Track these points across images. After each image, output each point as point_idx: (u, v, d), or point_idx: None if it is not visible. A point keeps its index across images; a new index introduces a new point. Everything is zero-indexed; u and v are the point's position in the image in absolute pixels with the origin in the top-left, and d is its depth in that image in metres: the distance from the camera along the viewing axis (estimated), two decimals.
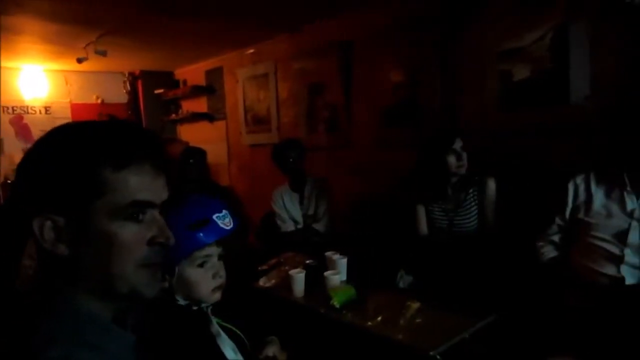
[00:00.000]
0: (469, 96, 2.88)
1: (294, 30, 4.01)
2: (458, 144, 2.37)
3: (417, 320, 1.76)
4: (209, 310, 1.22)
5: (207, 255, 1.19)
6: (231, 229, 1.19)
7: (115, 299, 0.74)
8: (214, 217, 1.16)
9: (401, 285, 2.14)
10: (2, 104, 5.12)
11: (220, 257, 1.23)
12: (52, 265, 0.72)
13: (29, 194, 0.72)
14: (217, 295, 1.21)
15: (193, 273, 1.17)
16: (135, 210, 0.72)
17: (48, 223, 0.69)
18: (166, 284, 1.13)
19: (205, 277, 1.18)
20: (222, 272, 1.23)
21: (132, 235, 0.72)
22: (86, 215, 0.70)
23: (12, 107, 5.28)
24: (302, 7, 3.43)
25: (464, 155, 2.38)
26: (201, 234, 1.14)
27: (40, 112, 5.41)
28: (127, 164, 0.71)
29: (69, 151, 0.71)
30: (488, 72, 2.75)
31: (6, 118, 5.22)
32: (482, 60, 2.78)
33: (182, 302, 1.18)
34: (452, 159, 2.36)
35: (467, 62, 2.87)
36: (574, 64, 2.38)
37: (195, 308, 1.20)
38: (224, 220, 1.18)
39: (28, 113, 5.36)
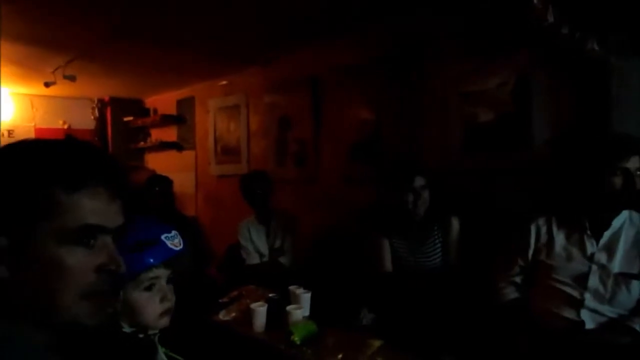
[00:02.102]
0: (433, 135, 2.94)
1: (265, 63, 4.05)
2: (418, 182, 2.38)
3: (378, 359, 1.73)
4: (156, 338, 1.15)
5: (155, 278, 1.12)
6: (180, 250, 1.13)
7: (53, 327, 0.70)
8: (162, 237, 1.11)
9: (364, 322, 2.11)
10: None
11: (169, 281, 1.16)
12: None
13: None
14: (165, 321, 1.14)
15: (139, 297, 1.10)
16: (85, 234, 0.69)
17: None
18: (111, 310, 1.07)
19: (152, 301, 1.11)
20: (171, 296, 1.15)
21: (79, 261, 0.68)
22: (32, 237, 0.66)
23: None
24: (273, 40, 3.49)
25: (424, 194, 2.40)
26: (148, 255, 1.08)
27: (2, 135, 5.25)
28: (81, 187, 0.68)
29: (19, 169, 0.68)
30: (452, 113, 2.82)
31: None
32: (446, 101, 2.85)
33: (127, 329, 1.12)
34: (410, 198, 2.37)
35: (431, 102, 2.94)
36: (536, 109, 2.46)
37: (141, 336, 1.13)
38: (172, 241, 1.12)
39: None
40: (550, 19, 1.82)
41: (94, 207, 0.70)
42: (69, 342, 0.74)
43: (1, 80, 4.67)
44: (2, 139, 5.18)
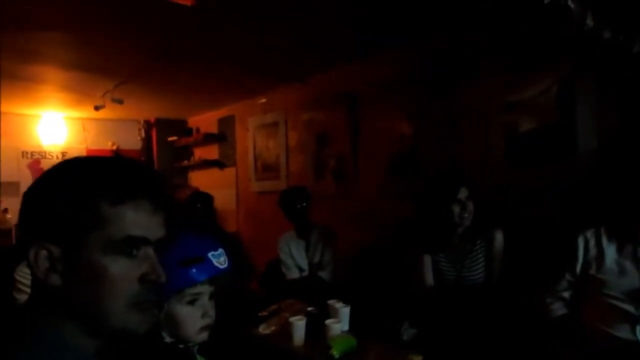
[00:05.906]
0: (472, 148, 2.89)
1: (303, 80, 4.12)
2: (463, 194, 2.32)
3: None
4: (195, 349, 1.19)
5: (198, 293, 1.15)
6: (225, 268, 1.16)
7: (102, 334, 0.73)
8: (209, 255, 1.14)
9: (405, 337, 2.07)
10: (22, 149, 5.36)
11: (211, 297, 1.19)
12: (44, 295, 0.71)
13: (28, 222, 0.73)
14: (204, 335, 1.17)
15: (181, 310, 1.13)
16: (128, 245, 0.72)
17: (43, 252, 0.69)
18: (155, 320, 1.11)
19: (194, 316, 1.15)
20: (212, 312, 1.18)
21: (122, 271, 0.71)
22: (80, 247, 0.70)
23: (31, 152, 5.46)
24: (310, 58, 3.55)
25: (469, 205, 2.34)
26: (194, 271, 1.11)
27: (57, 157, 5.55)
28: (125, 199, 0.72)
29: (69, 183, 0.72)
30: (492, 124, 2.77)
31: (25, 162, 5.40)
32: (485, 113, 2.80)
33: (167, 339, 1.15)
34: (456, 209, 2.31)
35: (470, 114, 2.90)
36: (581, 117, 2.37)
37: (181, 346, 1.16)
38: (218, 259, 1.15)
39: (45, 158, 5.52)
40: (590, 23, 1.77)
41: (137, 219, 0.73)
42: (116, 350, 0.77)
43: (55, 106, 5.00)
44: (54, 160, 5.48)
